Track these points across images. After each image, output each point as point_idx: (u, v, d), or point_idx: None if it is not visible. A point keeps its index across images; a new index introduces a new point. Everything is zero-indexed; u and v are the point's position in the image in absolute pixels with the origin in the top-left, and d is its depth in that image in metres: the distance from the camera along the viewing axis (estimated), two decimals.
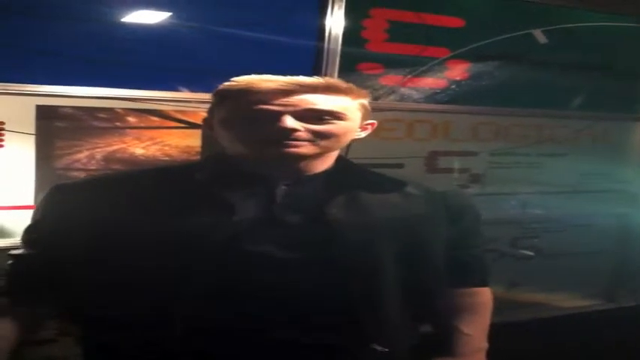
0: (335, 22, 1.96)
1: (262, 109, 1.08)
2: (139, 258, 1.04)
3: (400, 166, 2.19)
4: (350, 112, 1.14)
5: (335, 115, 1.11)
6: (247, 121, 1.09)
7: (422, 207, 1.20)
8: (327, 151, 1.15)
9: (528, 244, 2.52)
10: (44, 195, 1.18)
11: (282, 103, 1.08)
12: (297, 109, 1.08)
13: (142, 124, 1.78)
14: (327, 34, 1.96)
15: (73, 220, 1.10)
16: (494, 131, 2.39)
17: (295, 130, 1.07)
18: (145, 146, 1.79)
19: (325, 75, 1.95)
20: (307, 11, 1.95)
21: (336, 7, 1.95)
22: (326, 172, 1.17)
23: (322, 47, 1.97)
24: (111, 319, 1.05)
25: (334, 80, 1.15)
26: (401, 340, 1.16)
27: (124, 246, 1.05)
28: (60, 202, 1.15)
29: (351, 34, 2.01)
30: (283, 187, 1.13)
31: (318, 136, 1.10)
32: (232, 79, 1.13)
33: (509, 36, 2.28)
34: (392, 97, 2.14)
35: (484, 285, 1.30)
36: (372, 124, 1.23)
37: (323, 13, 1.96)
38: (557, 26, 2.35)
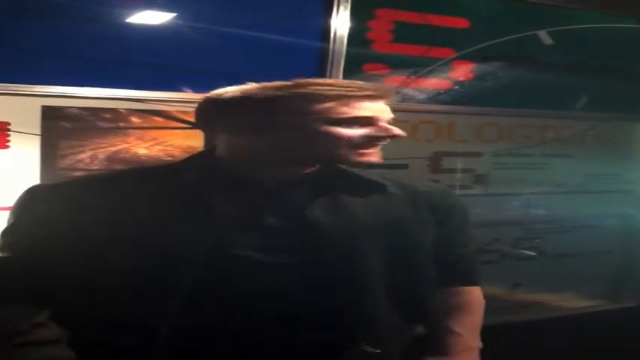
0: (340, 23, 1.96)
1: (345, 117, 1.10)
2: (120, 260, 1.04)
3: (404, 166, 2.19)
4: None
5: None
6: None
7: (408, 207, 1.20)
8: None
9: (531, 244, 2.51)
10: (19, 198, 1.17)
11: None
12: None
13: (146, 125, 1.79)
14: (332, 35, 1.96)
15: (49, 222, 1.10)
16: (498, 132, 2.38)
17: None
18: (148, 146, 1.80)
19: (330, 76, 1.96)
20: (312, 12, 1.94)
21: (341, 8, 1.95)
22: (312, 174, 1.18)
23: (327, 48, 1.96)
24: (91, 322, 1.05)
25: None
26: (392, 340, 1.16)
27: (104, 248, 1.05)
28: (35, 205, 1.15)
29: (356, 35, 2.00)
30: (269, 189, 1.13)
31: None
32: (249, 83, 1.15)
33: (514, 37, 2.27)
34: (396, 97, 2.14)
35: (473, 284, 1.30)
36: None
37: (328, 14, 1.95)
38: (563, 27, 2.33)
